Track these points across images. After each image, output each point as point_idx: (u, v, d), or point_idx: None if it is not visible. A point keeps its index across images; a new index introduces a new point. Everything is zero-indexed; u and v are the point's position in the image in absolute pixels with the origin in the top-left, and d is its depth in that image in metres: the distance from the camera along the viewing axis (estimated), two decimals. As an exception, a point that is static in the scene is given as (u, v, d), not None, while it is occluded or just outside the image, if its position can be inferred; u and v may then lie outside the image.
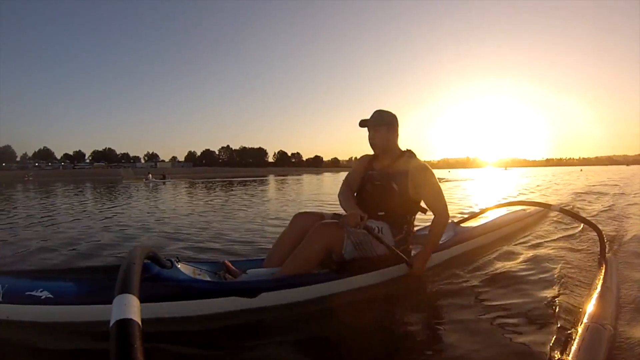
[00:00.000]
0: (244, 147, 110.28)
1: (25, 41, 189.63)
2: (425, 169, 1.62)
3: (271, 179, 23.14)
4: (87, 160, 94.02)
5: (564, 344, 1.02)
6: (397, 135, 1.70)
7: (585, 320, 1.10)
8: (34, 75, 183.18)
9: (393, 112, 1.68)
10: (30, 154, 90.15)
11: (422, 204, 1.68)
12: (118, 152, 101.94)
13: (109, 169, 65.71)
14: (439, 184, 1.66)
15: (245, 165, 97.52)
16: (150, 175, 19.69)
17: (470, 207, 4.88)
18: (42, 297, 1.20)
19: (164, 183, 16.64)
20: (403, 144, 1.75)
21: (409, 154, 1.70)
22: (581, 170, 37.16)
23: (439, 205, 1.63)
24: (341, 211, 1.62)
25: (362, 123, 1.66)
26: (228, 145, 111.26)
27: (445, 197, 1.68)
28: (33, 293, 1.20)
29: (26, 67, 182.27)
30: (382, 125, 1.64)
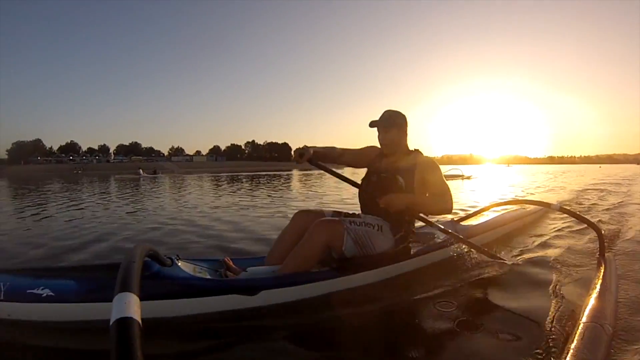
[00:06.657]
0: (270, 142, 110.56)
1: (46, 38, 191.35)
2: (433, 164, 1.63)
3: (295, 173, 23.76)
4: (112, 154, 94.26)
5: (562, 344, 1.03)
6: (406, 135, 1.71)
7: (584, 319, 1.10)
8: (56, 73, 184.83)
9: (401, 110, 1.68)
10: (55, 147, 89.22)
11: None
12: (143, 146, 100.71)
13: (146, 162, 67.22)
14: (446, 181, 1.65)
15: (271, 159, 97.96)
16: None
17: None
18: (44, 295, 1.20)
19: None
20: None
21: (416, 152, 1.71)
22: (600, 167, 37.85)
23: (443, 193, 1.57)
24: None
25: (372, 124, 1.68)
26: (253, 140, 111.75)
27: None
28: (34, 291, 1.21)
29: (49, 64, 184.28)
30: (392, 126, 1.65)
